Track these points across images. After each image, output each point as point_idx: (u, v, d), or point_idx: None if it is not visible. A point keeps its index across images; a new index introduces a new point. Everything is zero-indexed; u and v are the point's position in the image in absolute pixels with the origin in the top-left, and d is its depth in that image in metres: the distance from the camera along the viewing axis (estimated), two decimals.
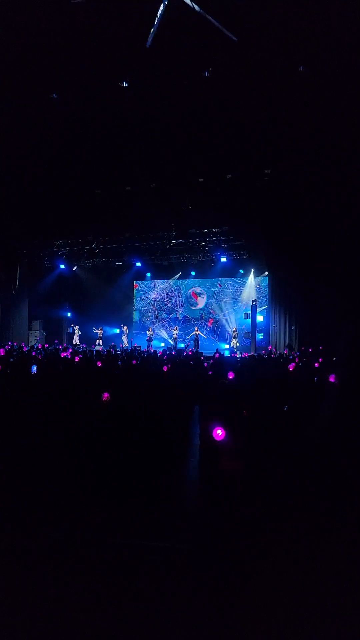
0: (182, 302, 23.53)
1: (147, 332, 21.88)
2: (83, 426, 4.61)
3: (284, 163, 14.95)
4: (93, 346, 20.63)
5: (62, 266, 22.19)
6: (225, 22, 8.34)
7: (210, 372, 8.57)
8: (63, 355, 12.78)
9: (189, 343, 21.16)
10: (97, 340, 21.37)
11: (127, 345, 20.99)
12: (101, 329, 21.78)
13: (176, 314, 23.46)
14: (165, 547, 3.04)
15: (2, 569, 2.82)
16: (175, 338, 21.32)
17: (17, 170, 15.88)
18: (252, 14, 9.11)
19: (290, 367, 9.00)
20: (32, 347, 17.85)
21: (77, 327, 21.84)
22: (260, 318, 20.76)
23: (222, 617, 2.47)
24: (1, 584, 2.68)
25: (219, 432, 3.57)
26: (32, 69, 11.12)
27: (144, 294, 24.30)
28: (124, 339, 21.65)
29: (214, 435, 3.58)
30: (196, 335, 20.38)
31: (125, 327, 22.01)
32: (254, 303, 20.06)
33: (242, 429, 3.88)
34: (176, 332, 21.53)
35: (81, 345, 20.78)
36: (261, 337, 20.75)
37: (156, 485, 3.78)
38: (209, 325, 22.80)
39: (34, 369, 7.57)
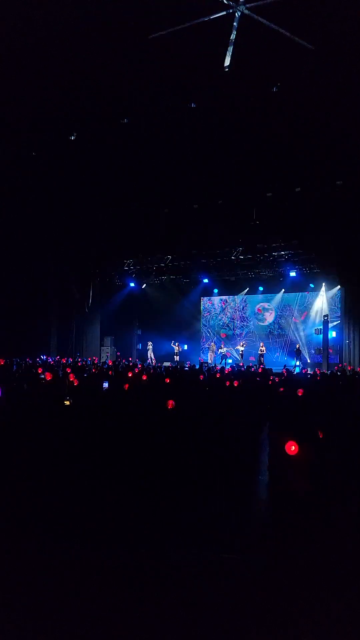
0: (248, 317, 23.26)
1: (219, 349, 21.75)
2: (149, 436, 4.65)
3: (355, 173, 14.48)
4: (161, 363, 20.88)
5: (132, 284, 22.82)
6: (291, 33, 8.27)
7: (282, 389, 8.34)
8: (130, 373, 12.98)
9: (252, 357, 20.86)
10: (175, 356, 21.63)
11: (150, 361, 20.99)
12: (178, 344, 22.02)
13: (243, 330, 23.21)
14: (234, 560, 2.95)
15: (56, 576, 2.85)
16: (242, 353, 21.08)
17: (89, 192, 16.65)
18: (317, 24, 9.00)
19: None
20: (104, 363, 18.38)
21: (150, 343, 22.20)
22: (332, 334, 20.01)
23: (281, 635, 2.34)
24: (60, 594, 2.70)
25: (292, 448, 3.42)
26: (105, 95, 11.68)
27: (211, 310, 24.31)
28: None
29: (286, 449, 3.44)
30: (261, 352, 20.05)
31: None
32: (325, 318, 19.38)
33: (317, 447, 3.71)
34: (242, 348, 21.26)
35: (151, 361, 21.10)
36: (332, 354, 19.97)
37: (225, 498, 3.70)
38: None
39: (106, 384, 7.76)
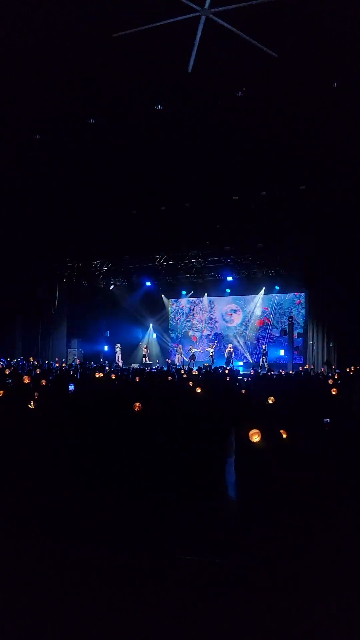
0: (216, 319, 23.46)
1: (189, 349, 21.82)
2: (117, 437, 4.64)
3: (319, 178, 14.86)
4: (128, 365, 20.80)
5: (101, 286, 22.65)
6: (259, 40, 8.43)
7: (243, 391, 8.45)
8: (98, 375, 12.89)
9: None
10: (143, 358, 21.51)
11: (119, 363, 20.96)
12: (146, 347, 21.90)
13: (211, 332, 23.38)
14: (203, 562, 2.98)
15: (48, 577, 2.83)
16: (212, 356, 21.22)
17: (57, 192, 16.44)
18: (284, 32, 9.20)
19: (333, 391, 8.58)
20: (71, 365, 18.16)
21: (119, 345, 21.98)
22: (296, 335, 20.45)
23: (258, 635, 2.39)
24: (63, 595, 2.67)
25: (255, 437, 3.51)
26: (72, 96, 11.58)
27: (179, 312, 24.38)
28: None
29: (250, 437, 3.53)
30: (230, 352, 20.26)
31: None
32: (290, 320, 19.77)
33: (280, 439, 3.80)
34: (212, 349, 21.41)
35: (118, 363, 20.97)
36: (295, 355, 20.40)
37: (193, 499, 3.73)
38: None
39: (72, 387, 7.69)
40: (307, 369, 17.17)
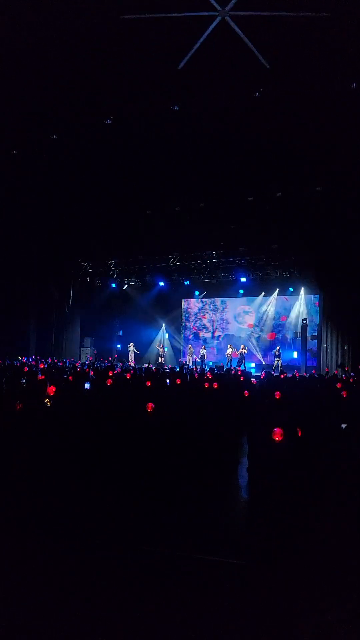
0: (229, 320, 23.41)
1: (200, 349, 21.79)
2: (130, 437, 4.66)
3: (334, 180, 14.75)
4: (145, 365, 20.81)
5: (114, 285, 22.74)
6: (274, 42, 8.41)
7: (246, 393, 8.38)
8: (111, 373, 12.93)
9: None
10: (159, 358, 21.48)
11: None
12: (162, 346, 21.86)
13: (223, 332, 23.33)
14: (214, 561, 2.99)
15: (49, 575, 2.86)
16: (228, 355, 21.08)
17: (71, 193, 16.56)
18: (301, 32, 9.17)
19: (344, 394, 8.52)
20: (84, 364, 18.27)
21: (132, 343, 21.99)
22: (310, 337, 20.30)
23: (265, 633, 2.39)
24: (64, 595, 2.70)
25: (277, 436, 3.52)
26: (89, 96, 11.65)
27: (192, 312, 24.38)
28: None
29: (272, 435, 3.54)
30: (242, 354, 20.18)
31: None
32: (304, 322, 19.65)
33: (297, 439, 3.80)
34: (229, 350, 21.25)
35: (130, 364, 21.01)
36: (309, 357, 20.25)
37: (205, 499, 3.74)
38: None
39: (88, 385, 7.75)
40: (322, 373, 17.03)
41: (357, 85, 10.55)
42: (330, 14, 8.20)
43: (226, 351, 20.97)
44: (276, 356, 19.93)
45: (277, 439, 3.56)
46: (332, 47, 9.55)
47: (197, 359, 21.43)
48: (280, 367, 19.24)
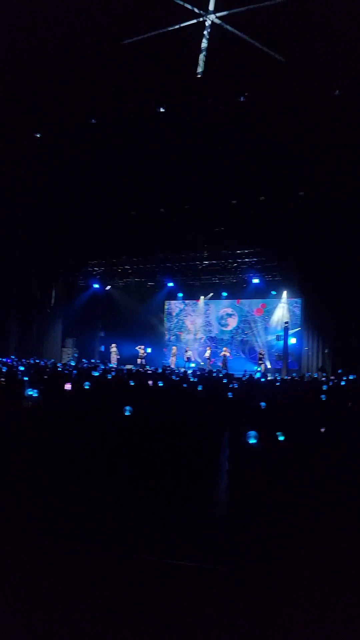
0: (212, 322, 23.46)
1: (185, 352, 21.78)
2: (108, 439, 4.63)
3: (317, 185, 14.93)
4: (124, 366, 20.71)
5: (96, 285, 22.59)
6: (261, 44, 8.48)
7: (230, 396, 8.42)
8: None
9: (220, 363, 21.00)
10: (139, 360, 21.36)
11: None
12: (143, 348, 21.73)
13: (208, 335, 23.37)
14: (190, 567, 2.98)
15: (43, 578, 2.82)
16: (208, 358, 21.19)
17: (54, 192, 16.43)
18: (285, 37, 9.26)
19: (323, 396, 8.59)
20: (65, 365, 18.10)
21: (114, 345, 21.85)
22: (292, 340, 20.44)
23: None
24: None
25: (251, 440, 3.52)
26: (75, 96, 11.58)
27: (175, 313, 24.37)
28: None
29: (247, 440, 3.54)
30: (224, 357, 20.24)
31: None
32: (286, 325, 19.81)
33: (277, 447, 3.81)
34: (208, 353, 21.36)
35: (112, 365, 20.89)
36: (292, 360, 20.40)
37: (183, 504, 3.73)
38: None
39: (69, 386, 7.67)
40: (302, 375, 17.18)
41: (340, 91, 10.69)
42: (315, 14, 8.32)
43: (205, 353, 21.06)
44: (259, 359, 20.05)
45: (254, 442, 3.57)
46: (316, 53, 9.67)
47: (186, 360, 21.33)
48: (264, 369, 19.36)
